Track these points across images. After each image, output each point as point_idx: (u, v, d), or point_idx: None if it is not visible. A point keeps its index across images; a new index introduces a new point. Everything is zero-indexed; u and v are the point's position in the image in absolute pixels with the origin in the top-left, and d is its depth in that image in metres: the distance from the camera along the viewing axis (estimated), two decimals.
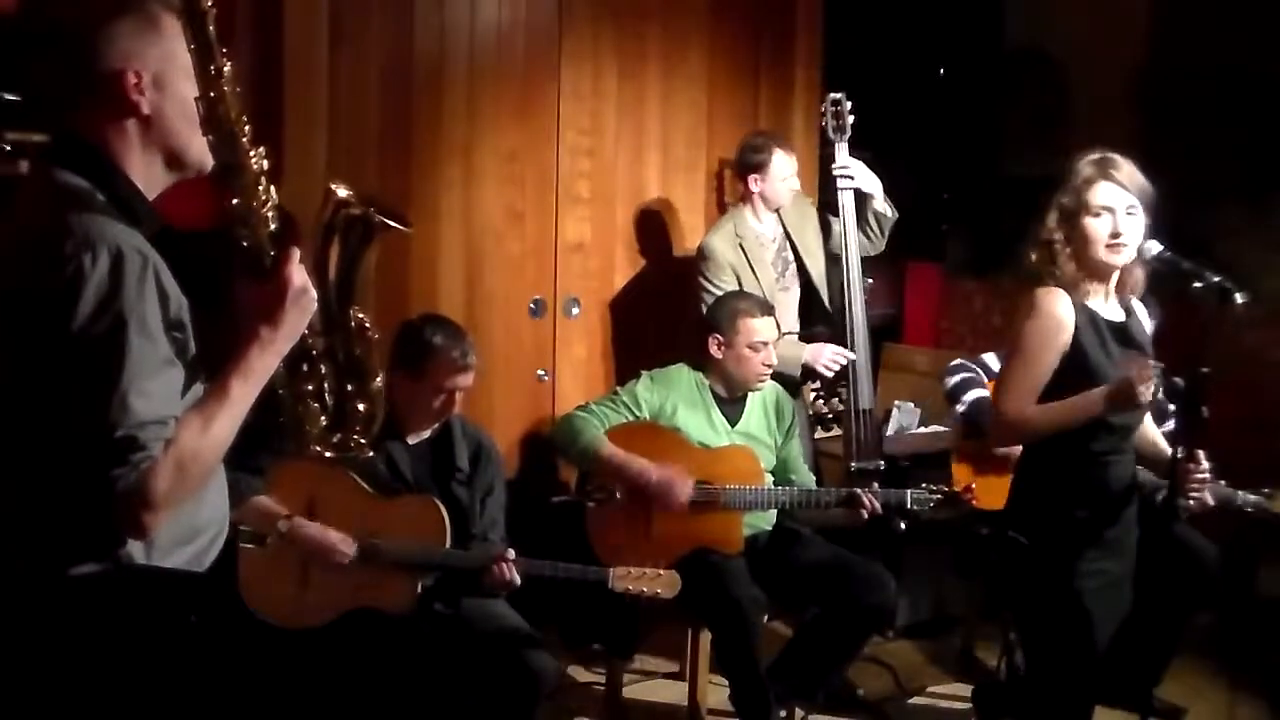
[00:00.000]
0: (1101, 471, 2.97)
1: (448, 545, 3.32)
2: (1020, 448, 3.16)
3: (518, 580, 3.32)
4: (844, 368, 4.43)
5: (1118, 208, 2.90)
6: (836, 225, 4.50)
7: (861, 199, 4.46)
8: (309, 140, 4.05)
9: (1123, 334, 2.99)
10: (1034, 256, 2.97)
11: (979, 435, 4.10)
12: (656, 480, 3.75)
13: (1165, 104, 5.02)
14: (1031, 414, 2.94)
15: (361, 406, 1.93)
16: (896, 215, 4.56)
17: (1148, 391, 2.78)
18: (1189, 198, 4.36)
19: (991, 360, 4.25)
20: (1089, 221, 2.91)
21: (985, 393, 4.11)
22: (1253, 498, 3.68)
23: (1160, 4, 5.22)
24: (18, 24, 3.29)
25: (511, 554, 3.34)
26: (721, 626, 3.74)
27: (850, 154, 4.49)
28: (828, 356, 4.41)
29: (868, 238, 4.53)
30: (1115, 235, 2.90)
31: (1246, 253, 4.40)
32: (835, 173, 4.45)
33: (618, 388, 4.07)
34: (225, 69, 1.77)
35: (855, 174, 4.43)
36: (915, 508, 3.80)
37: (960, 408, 4.18)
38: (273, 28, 4.00)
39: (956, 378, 4.27)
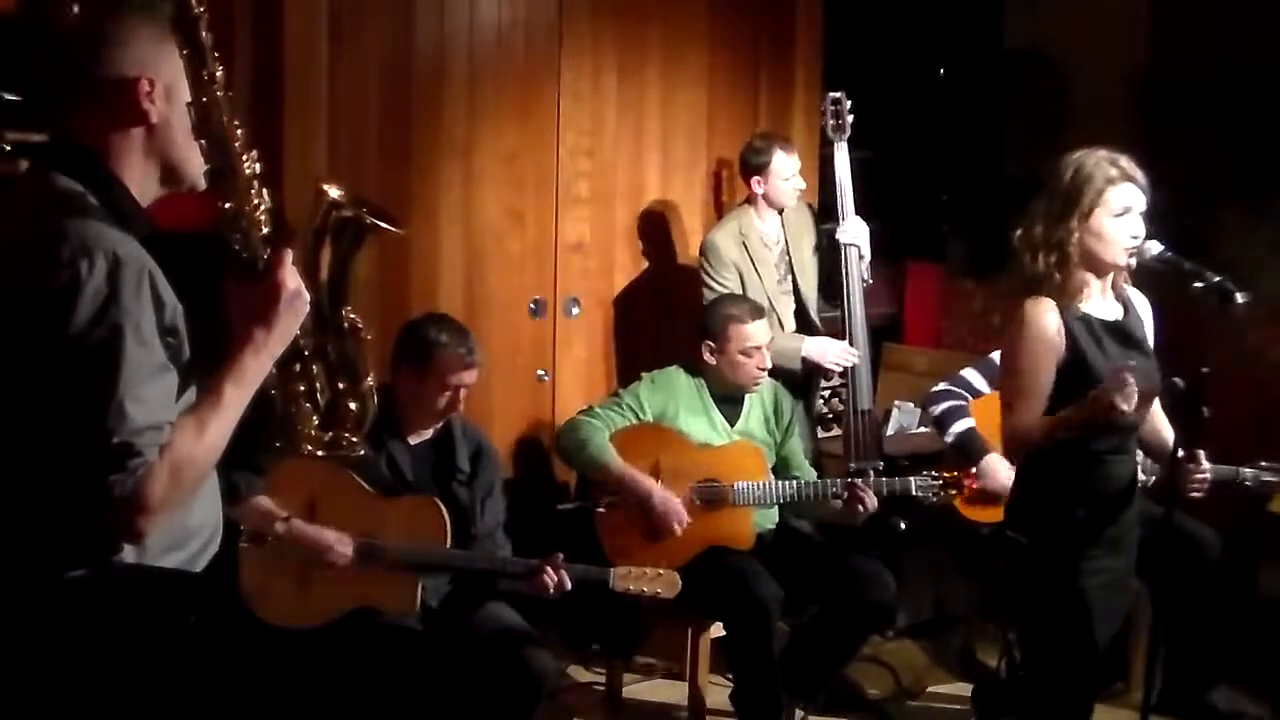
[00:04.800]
0: (1103, 471, 2.96)
1: (449, 546, 3.33)
2: None
3: (569, 583, 3.34)
4: (845, 368, 4.44)
5: (1136, 208, 2.90)
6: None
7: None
8: (309, 140, 4.05)
9: (1120, 332, 2.98)
10: (1041, 259, 2.92)
11: (968, 464, 4.08)
12: (657, 507, 3.76)
13: (1165, 104, 5.01)
14: (1036, 427, 2.93)
15: (353, 405, 1.93)
16: (870, 282, 4.56)
17: (1125, 400, 2.76)
18: (1189, 198, 4.36)
19: (972, 376, 4.19)
20: (1110, 222, 2.89)
21: (972, 422, 4.07)
22: (1251, 472, 3.71)
23: (1160, 4, 5.21)
24: (25, 22, 3.29)
25: (560, 557, 3.36)
26: (740, 625, 3.74)
27: (850, 154, 4.48)
28: (835, 354, 4.41)
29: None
30: (1135, 236, 2.89)
31: (1246, 253, 4.40)
32: (841, 240, 4.44)
33: (620, 390, 4.07)
34: (218, 74, 1.77)
35: (860, 241, 4.45)
36: (919, 494, 3.81)
37: (949, 439, 4.13)
38: (273, 28, 4.00)
39: (942, 406, 4.16)
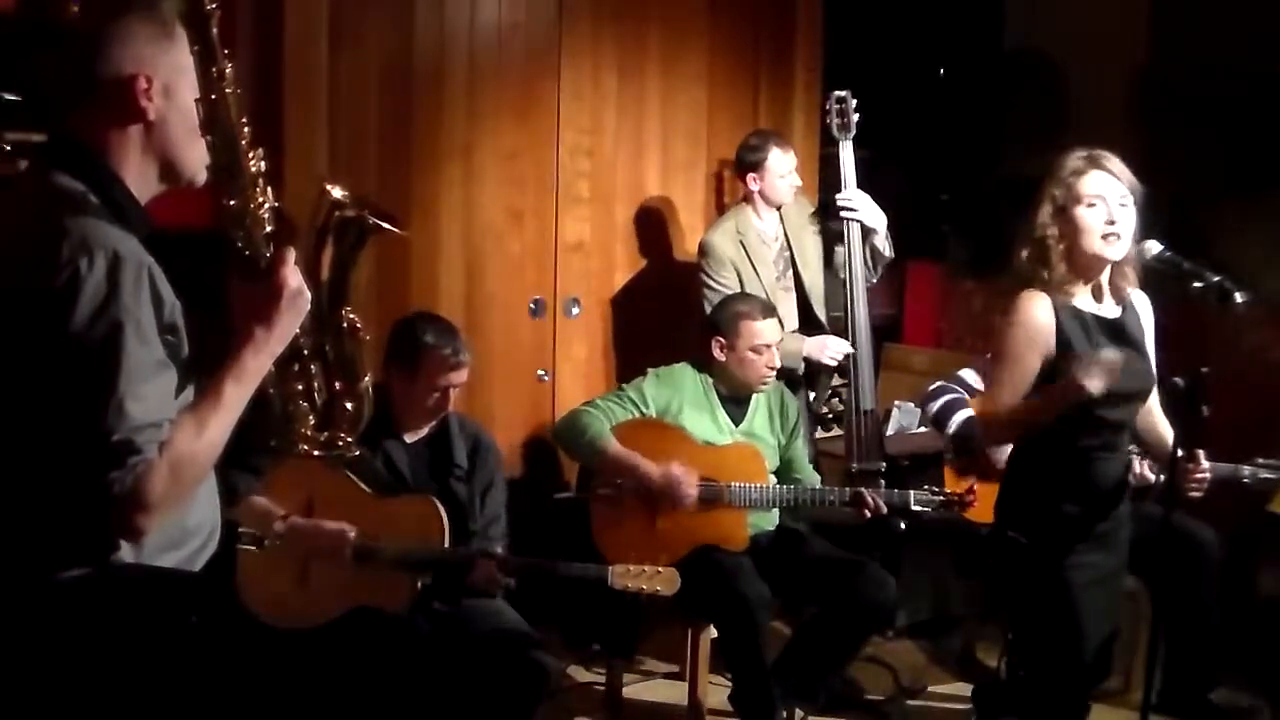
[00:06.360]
0: (1091, 468, 2.98)
1: (446, 543, 3.32)
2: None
3: (501, 580, 3.32)
4: (846, 368, 4.43)
5: (1110, 197, 2.91)
6: (840, 249, 4.48)
7: (864, 233, 4.43)
8: (309, 140, 4.06)
9: (1114, 330, 2.99)
10: (1025, 254, 2.97)
11: (970, 455, 4.10)
12: (660, 480, 3.75)
13: (1165, 104, 5.01)
14: (1005, 414, 2.96)
15: (349, 405, 1.93)
16: (893, 256, 4.54)
17: (1095, 384, 2.77)
18: (1189, 197, 4.36)
19: (969, 376, 4.21)
20: (1082, 211, 2.91)
21: (971, 412, 4.09)
22: (1250, 469, 3.72)
23: (1160, 4, 5.21)
24: (25, 22, 3.29)
25: (499, 550, 3.35)
26: (728, 624, 3.74)
27: (851, 153, 4.48)
28: (832, 349, 4.41)
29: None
30: (1110, 223, 2.90)
31: (1246, 253, 4.40)
32: (840, 204, 4.41)
33: (623, 385, 4.07)
34: (227, 71, 1.77)
35: (860, 208, 4.40)
36: (919, 508, 3.81)
37: (950, 430, 4.16)
38: (273, 28, 4.00)
39: (940, 401, 4.20)
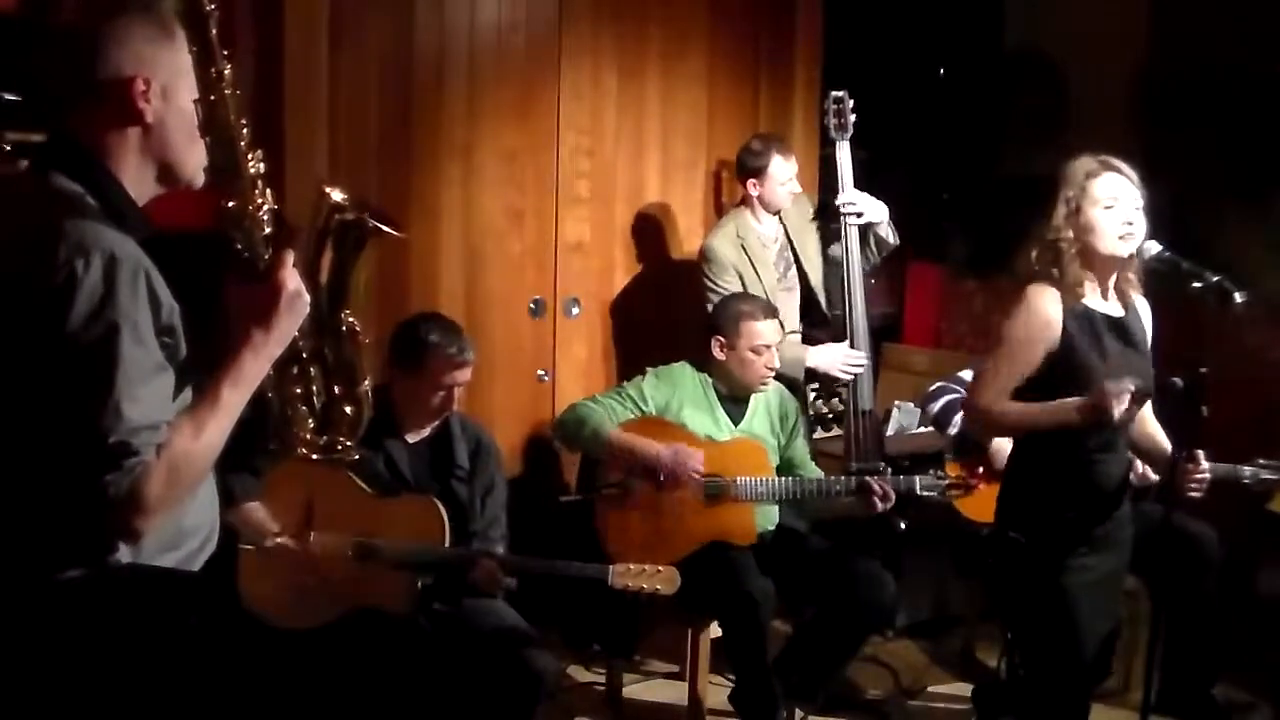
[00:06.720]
0: (1092, 469, 2.99)
1: (447, 544, 3.33)
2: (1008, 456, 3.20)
3: (502, 580, 3.33)
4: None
5: (1125, 199, 2.92)
6: (836, 248, 4.49)
7: (868, 227, 4.43)
8: (309, 141, 4.05)
9: (1120, 329, 3.00)
10: (1035, 256, 2.98)
11: (974, 455, 4.11)
12: (668, 458, 3.75)
13: (1165, 104, 5.01)
14: (1004, 409, 2.97)
15: (348, 409, 1.93)
16: (898, 243, 4.54)
17: (1120, 410, 2.80)
18: (1189, 198, 4.35)
19: (970, 377, 4.22)
20: (1098, 213, 2.92)
21: None
22: (1250, 470, 3.72)
23: (1160, 4, 5.21)
24: (25, 22, 3.29)
25: (500, 551, 3.35)
26: (731, 620, 3.74)
27: (850, 153, 4.48)
28: (841, 363, 4.41)
29: (866, 259, 4.49)
30: (1127, 223, 2.91)
31: (1246, 253, 4.40)
32: (842, 209, 4.40)
33: (624, 383, 4.07)
34: (226, 72, 1.77)
35: (863, 209, 4.40)
36: (925, 493, 3.81)
37: (951, 430, 4.20)
38: (273, 28, 4.00)
39: (940, 402, 4.24)
